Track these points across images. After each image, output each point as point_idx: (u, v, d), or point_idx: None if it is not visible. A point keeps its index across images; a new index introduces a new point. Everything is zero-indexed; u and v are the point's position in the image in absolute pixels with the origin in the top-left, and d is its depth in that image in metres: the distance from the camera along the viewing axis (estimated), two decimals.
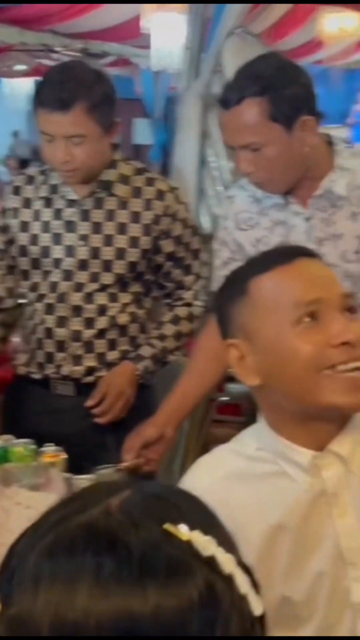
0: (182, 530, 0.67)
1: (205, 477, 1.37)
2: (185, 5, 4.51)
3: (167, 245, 2.30)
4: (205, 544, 0.67)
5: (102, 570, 0.65)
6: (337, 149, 2.09)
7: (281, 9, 7.09)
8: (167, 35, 4.79)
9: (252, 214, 2.16)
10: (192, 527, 0.68)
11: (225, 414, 3.82)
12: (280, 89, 1.95)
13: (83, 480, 1.88)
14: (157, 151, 8.74)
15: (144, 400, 2.32)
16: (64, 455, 2.00)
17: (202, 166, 4.07)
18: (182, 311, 2.38)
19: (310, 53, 8.30)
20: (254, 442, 1.37)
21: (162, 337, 2.34)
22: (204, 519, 0.72)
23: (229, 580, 0.67)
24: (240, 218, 2.17)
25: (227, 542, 0.71)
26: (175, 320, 2.37)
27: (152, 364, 2.32)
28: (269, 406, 1.34)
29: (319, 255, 1.38)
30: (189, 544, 0.67)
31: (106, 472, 1.97)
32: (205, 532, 0.69)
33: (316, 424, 1.30)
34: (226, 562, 0.67)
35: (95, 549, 0.66)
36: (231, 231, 2.19)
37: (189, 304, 2.38)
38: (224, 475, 1.35)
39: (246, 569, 0.70)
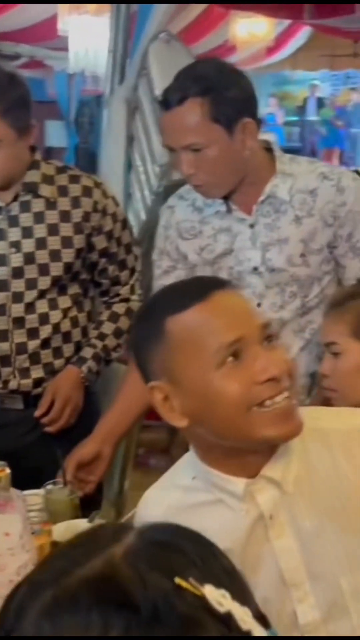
0: (194, 584, 0.62)
1: (155, 510, 1.38)
2: (101, 8, 4.48)
3: (100, 242, 2.27)
4: (220, 598, 0.63)
5: (110, 631, 0.59)
6: (278, 154, 2.10)
7: (195, 10, 7.13)
8: (86, 37, 4.75)
9: (194, 222, 2.15)
10: (203, 578, 0.63)
11: (151, 418, 3.82)
12: (222, 90, 1.95)
13: (33, 496, 1.83)
14: (71, 154, 8.68)
15: (88, 409, 2.28)
16: (8, 470, 1.94)
17: (129, 170, 4.05)
18: (120, 307, 2.35)
19: (223, 57, 8.37)
20: (190, 471, 1.37)
21: (102, 336, 2.31)
22: (214, 565, 0.67)
23: (246, 636, 0.63)
24: (182, 227, 2.16)
25: (241, 591, 0.66)
26: (114, 317, 2.34)
27: (95, 364, 2.28)
28: (198, 442, 1.34)
29: (232, 285, 1.35)
30: (202, 599, 0.62)
31: (55, 488, 1.93)
32: (218, 582, 0.64)
33: (247, 455, 1.30)
34: (243, 618, 0.63)
35: (101, 607, 0.60)
36: (174, 240, 2.17)
37: (126, 300, 2.36)
38: (167, 507, 1.36)
39: (263, 619, 0.66)
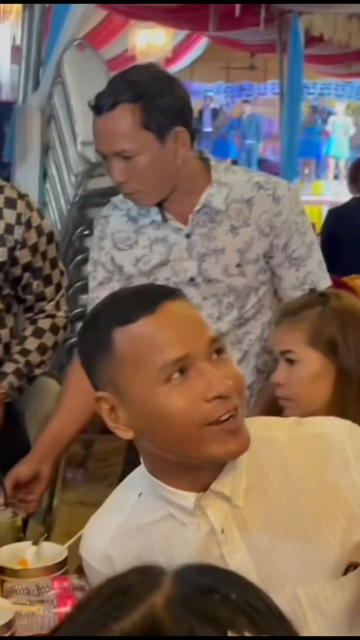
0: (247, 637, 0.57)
1: (102, 534, 1.36)
2: (5, 15, 4.39)
3: (24, 256, 2.19)
4: None
5: None
6: (212, 163, 2.08)
7: (96, 18, 7.09)
8: None
9: (129, 233, 2.11)
10: (253, 627, 0.58)
11: None
12: (154, 97, 1.93)
13: None
14: None
15: (13, 426, 2.20)
16: None
17: (44, 180, 3.98)
18: (44, 323, 2.27)
19: (123, 66, 8.35)
20: (136, 488, 1.35)
21: (24, 352, 2.23)
22: (263, 611, 0.62)
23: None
24: (117, 238, 2.12)
25: (290, 633, 0.61)
26: (38, 333, 2.26)
27: (17, 379, 2.19)
28: (147, 455, 1.31)
29: (182, 295, 1.30)
30: None
31: None
32: (269, 628, 0.59)
33: (197, 469, 1.28)
34: None
35: None
36: (109, 251, 2.12)
37: (51, 316, 2.28)
38: (114, 530, 1.35)
39: None
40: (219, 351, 1.24)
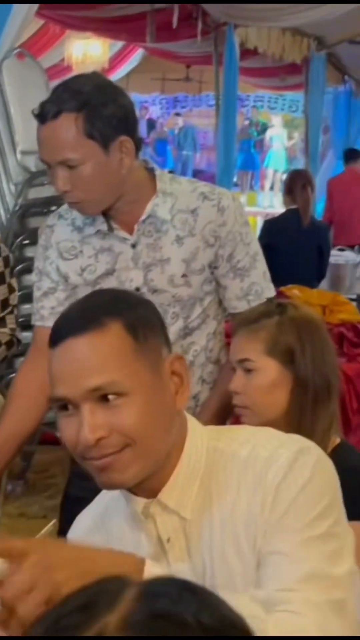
0: None
1: (80, 524, 1.39)
2: None
3: None
4: None
5: None
6: (158, 173, 2.08)
7: (33, 27, 7.05)
8: None
9: (74, 242, 2.10)
10: None
11: None
12: (98, 106, 1.92)
13: None
14: None
15: None
16: None
17: None
18: None
19: (59, 76, 8.33)
20: None
21: None
22: (217, 629, 0.62)
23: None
24: (62, 247, 2.10)
25: None
26: None
27: None
28: None
29: (92, 329, 1.23)
30: None
31: None
32: None
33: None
34: None
35: None
36: (54, 260, 2.11)
37: None
38: (88, 525, 1.37)
39: None
40: (107, 397, 1.20)
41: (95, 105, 1.92)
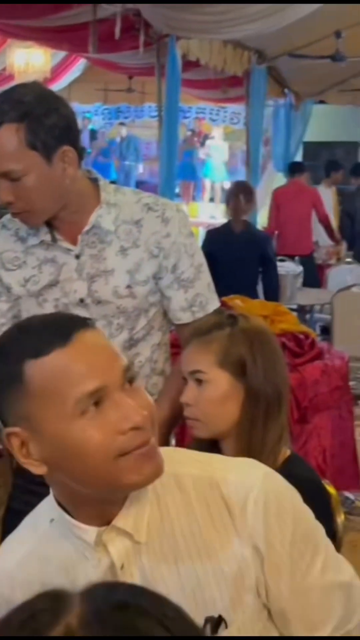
0: None
1: (10, 558, 1.33)
2: None
3: None
4: None
5: None
6: (102, 184, 2.08)
7: None
8: None
9: (18, 253, 2.08)
10: (172, 634, 0.59)
11: None
12: (40, 116, 1.91)
13: None
14: None
15: None
16: None
17: None
18: None
19: (2, 85, 8.28)
20: (49, 513, 1.32)
21: None
22: (179, 621, 0.63)
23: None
24: (5, 258, 2.09)
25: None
26: None
27: None
28: (58, 488, 1.29)
29: (92, 324, 1.27)
30: None
31: None
32: (184, 633, 0.60)
33: (103, 504, 1.26)
34: None
35: None
36: None
37: None
38: (21, 557, 1.32)
39: None
40: (132, 380, 1.22)
41: (37, 116, 1.91)
